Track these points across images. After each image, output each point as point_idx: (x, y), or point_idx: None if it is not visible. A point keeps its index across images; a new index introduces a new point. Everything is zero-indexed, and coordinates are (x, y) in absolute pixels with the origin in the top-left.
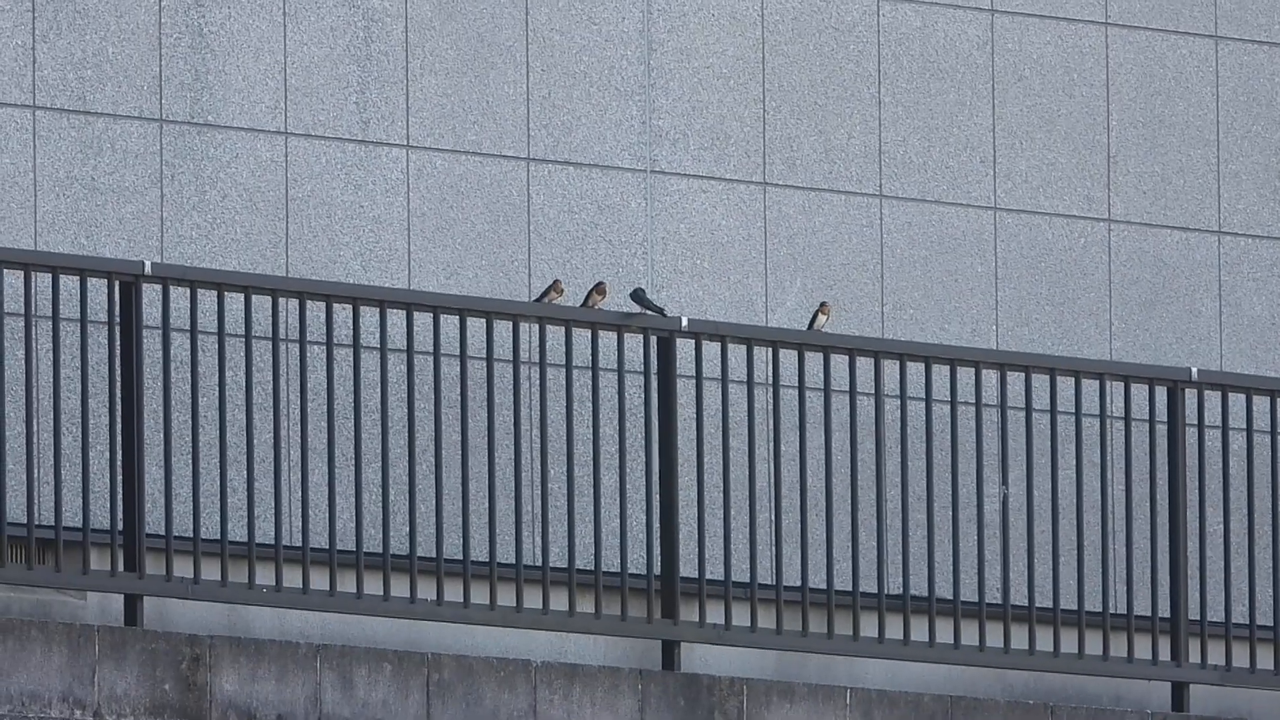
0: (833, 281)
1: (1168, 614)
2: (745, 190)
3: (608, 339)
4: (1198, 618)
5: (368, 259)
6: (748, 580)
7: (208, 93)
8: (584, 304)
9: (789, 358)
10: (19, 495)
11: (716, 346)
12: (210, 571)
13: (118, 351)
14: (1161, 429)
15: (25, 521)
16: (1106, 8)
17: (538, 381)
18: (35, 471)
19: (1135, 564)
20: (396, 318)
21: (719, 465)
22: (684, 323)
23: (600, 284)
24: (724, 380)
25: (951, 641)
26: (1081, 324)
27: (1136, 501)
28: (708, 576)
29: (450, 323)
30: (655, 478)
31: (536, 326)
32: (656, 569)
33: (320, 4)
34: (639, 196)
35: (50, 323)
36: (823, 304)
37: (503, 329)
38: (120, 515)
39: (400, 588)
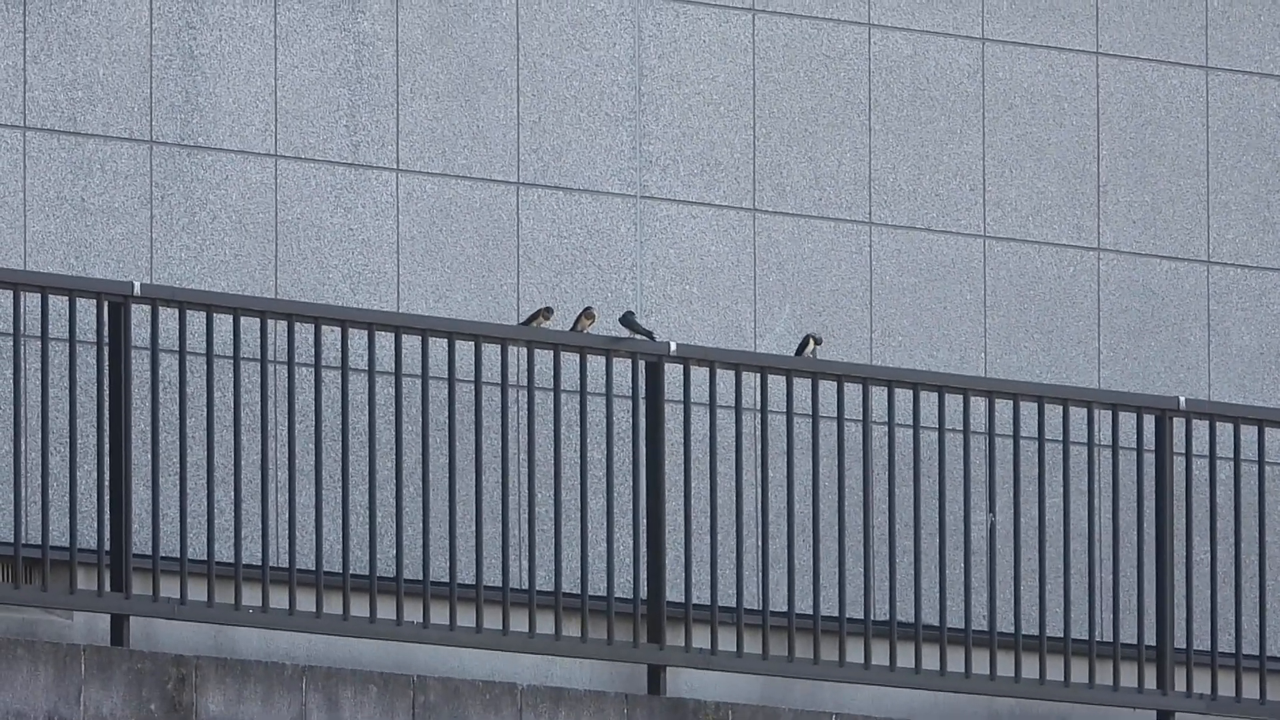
0: (822, 308)
1: (1154, 642)
2: (735, 216)
3: (596, 363)
4: (1184, 646)
5: (357, 281)
6: (734, 605)
7: (198, 115)
8: (573, 328)
9: (777, 383)
10: (6, 514)
11: (705, 372)
12: (196, 592)
13: (106, 372)
14: (1149, 457)
15: (12, 541)
16: (1097, 37)
17: (525, 405)
18: (23, 491)
19: (1122, 592)
20: (385, 340)
21: (706, 490)
22: (672, 348)
23: (589, 309)
24: (712, 405)
25: (937, 668)
26: (1070, 352)
27: (1123, 530)
28: (694, 601)
29: (439, 346)
30: (642, 502)
31: (525, 350)
32: (643, 593)
33: (311, 27)
34: (629, 221)
35: (39, 342)
36: (817, 338)
37: (491, 352)
38: (107, 535)
39: (386, 609)
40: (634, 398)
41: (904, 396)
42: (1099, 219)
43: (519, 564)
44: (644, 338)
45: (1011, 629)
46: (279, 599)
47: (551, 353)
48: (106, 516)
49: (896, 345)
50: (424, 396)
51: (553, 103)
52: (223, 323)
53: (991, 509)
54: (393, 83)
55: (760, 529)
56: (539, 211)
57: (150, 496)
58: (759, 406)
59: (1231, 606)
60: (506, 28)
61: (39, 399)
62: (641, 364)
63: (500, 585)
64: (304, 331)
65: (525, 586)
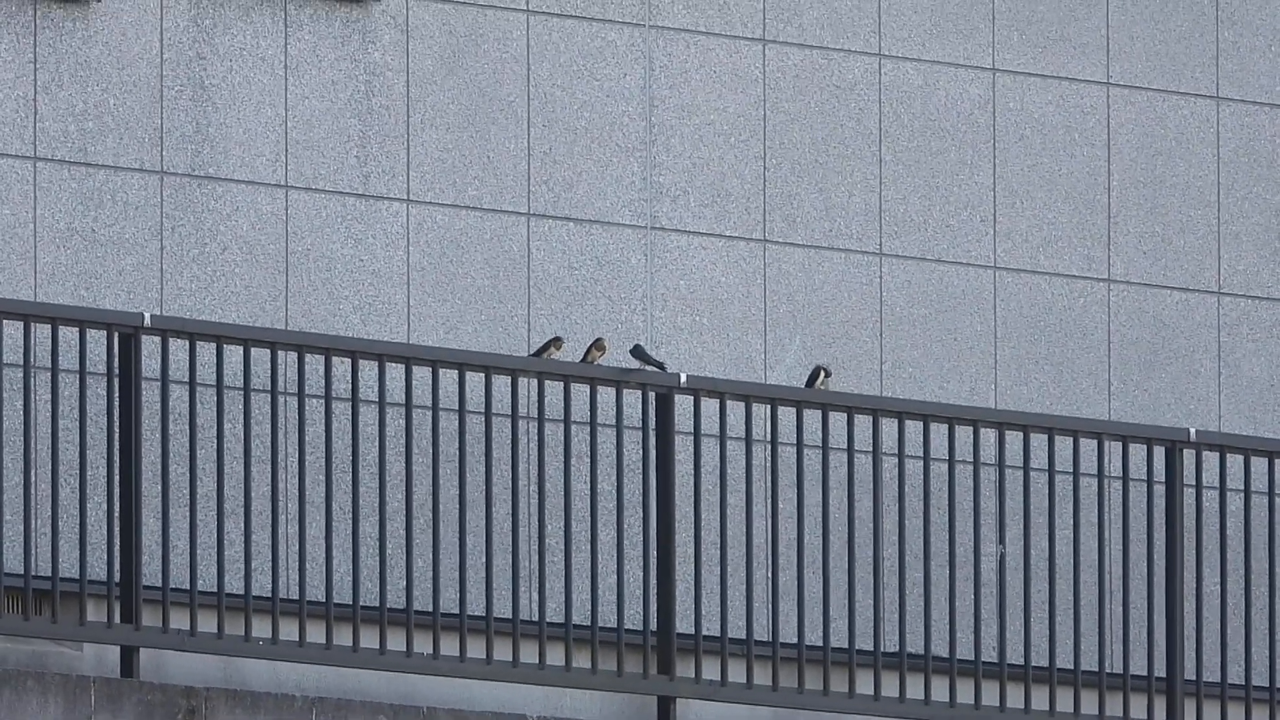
0: (832, 339)
1: (1164, 674)
2: (745, 247)
3: (606, 394)
4: (1194, 678)
5: (367, 313)
6: (744, 636)
7: (209, 145)
8: (583, 359)
9: (787, 415)
10: (16, 546)
11: (715, 403)
12: (206, 623)
13: (116, 403)
14: (1159, 489)
15: (22, 572)
16: (1108, 68)
17: (536, 437)
18: (33, 522)
19: (1132, 624)
20: (395, 372)
21: (716, 521)
22: (683, 379)
23: (599, 340)
24: (722, 437)
25: (948, 700)
26: (1080, 383)
27: (1133, 561)
28: (704, 632)
29: (449, 377)
30: (653, 533)
31: (535, 381)
32: (653, 624)
33: (322, 58)
34: (639, 252)
35: (49, 374)
36: (827, 371)
37: (501, 384)
38: (117, 567)
39: (396, 641)
40: (644, 429)
41: (914, 428)
42: (1109, 250)
43: (529, 595)
44: (655, 369)
45: (1022, 661)
46: (289, 630)
47: (562, 384)
48: (116, 548)
49: (907, 376)
50: (434, 428)
51: (563, 134)
52: (233, 354)
53: (1001, 541)
54: (403, 113)
55: (770, 560)
56: (549, 242)
57: (160, 528)
58: (769, 438)
59: (1241, 638)
60: (517, 58)
61: (49, 430)
62: (652, 395)
63: (510, 617)
64: (314, 363)
65: (535, 618)
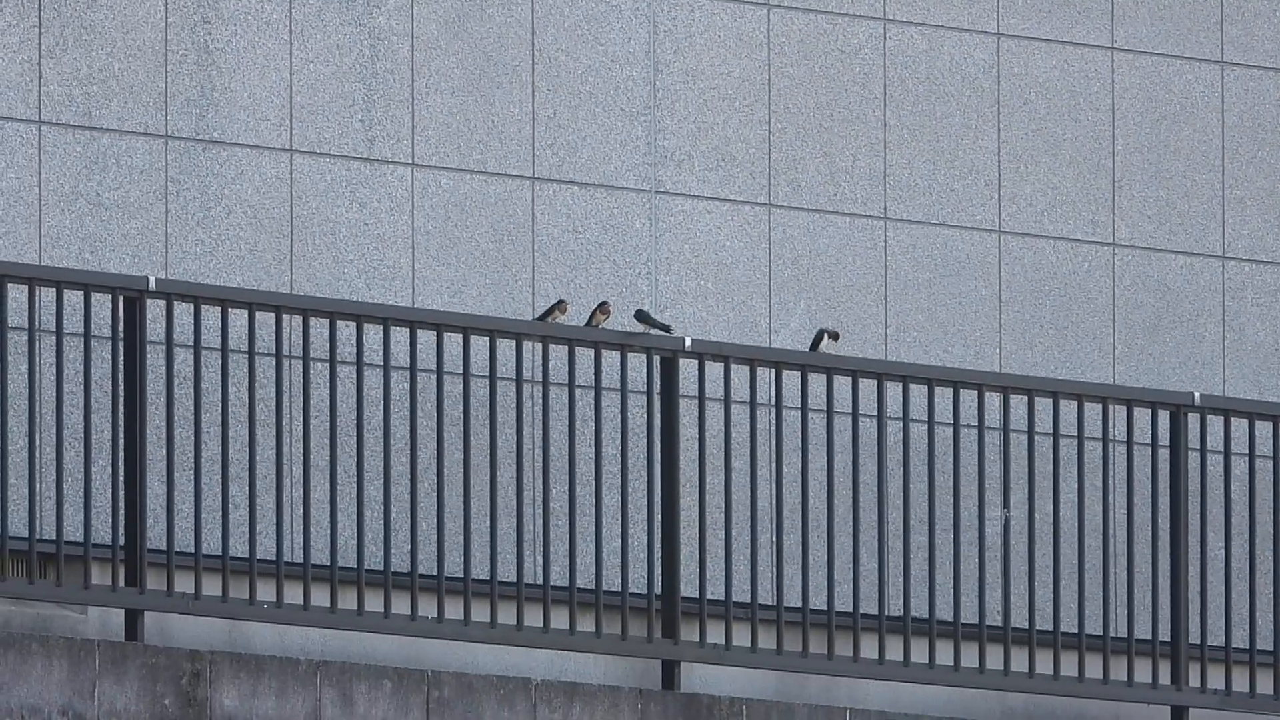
0: (836, 303)
1: (1168, 638)
2: (750, 211)
3: (611, 358)
4: (1198, 642)
5: (372, 276)
6: (749, 600)
7: (213, 109)
8: (588, 323)
9: (792, 379)
10: (21, 509)
11: (720, 367)
12: (211, 587)
13: (121, 367)
14: (1164, 453)
15: (27, 535)
16: (1113, 32)
17: (540, 400)
18: (37, 486)
19: (1136, 588)
20: (400, 335)
21: (721, 485)
22: (687, 343)
23: (604, 303)
24: (727, 401)
25: (952, 663)
26: (1085, 348)
27: (1138, 525)
28: (709, 596)
29: (454, 341)
30: (657, 497)
31: (540, 345)
32: (657, 588)
33: (326, 22)
34: (643, 217)
35: (54, 337)
36: (835, 334)
37: (506, 347)
38: (122, 530)
39: (401, 605)
40: (649, 393)
41: (919, 392)
42: (1114, 214)
43: (534, 559)
44: (661, 331)
45: (1026, 624)
46: (294, 594)
47: (566, 348)
48: (121, 512)
49: (911, 340)
50: (439, 392)
51: (568, 98)
52: (238, 318)
53: (1006, 505)
54: (408, 78)
55: (775, 524)
56: (554, 207)
57: (165, 492)
58: (774, 402)
59: (1246, 602)
60: (521, 23)
61: (54, 394)
62: (656, 359)
63: (515, 580)
64: (319, 327)
65: (540, 582)
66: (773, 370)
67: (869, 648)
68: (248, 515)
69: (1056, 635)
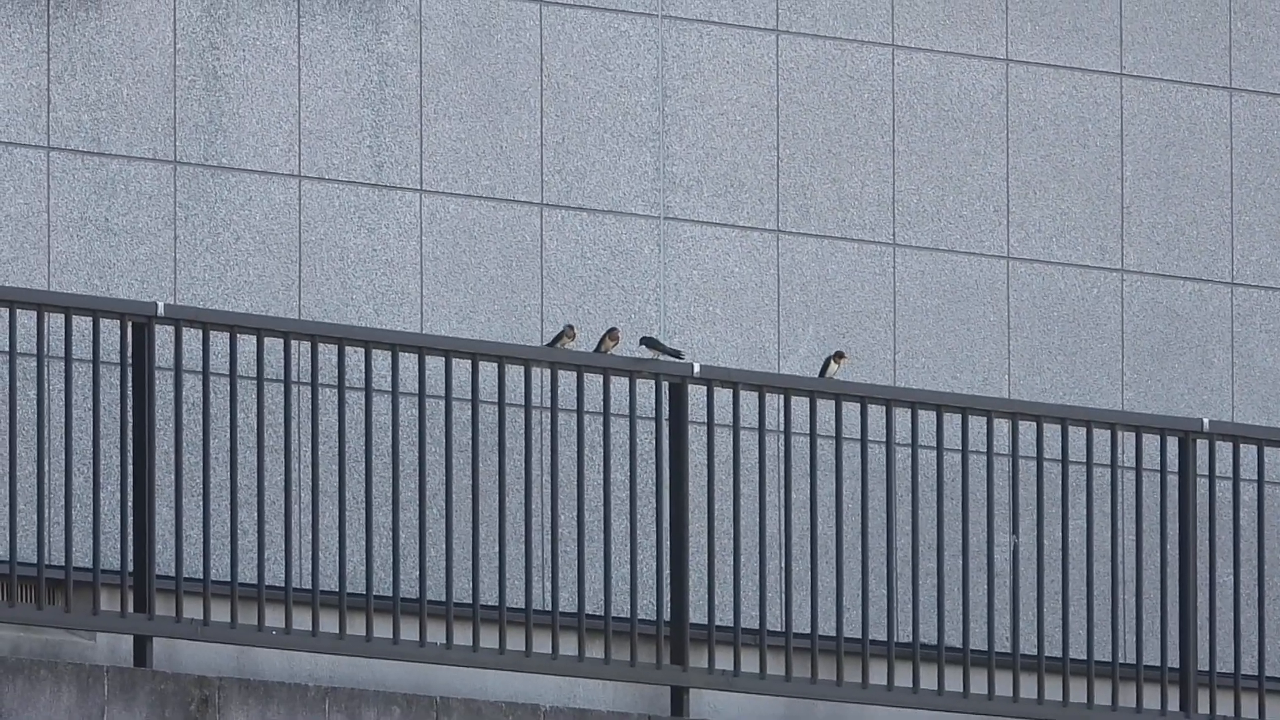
0: (845, 329)
1: (1177, 664)
2: (758, 237)
3: (620, 384)
4: (1207, 668)
5: (380, 302)
6: (757, 626)
7: (222, 135)
8: (597, 349)
9: (801, 405)
10: (29, 535)
11: (728, 393)
12: (220, 613)
13: (129, 392)
14: (1173, 479)
15: (35, 561)
16: (1121, 59)
17: (549, 426)
18: (46, 511)
19: (1145, 614)
20: (409, 361)
21: (730, 511)
22: (696, 369)
23: (613, 329)
24: (735, 427)
25: (960, 690)
26: (1094, 374)
27: (1147, 552)
28: (717, 622)
29: (462, 367)
30: (666, 523)
31: (548, 371)
32: (666, 614)
33: (335, 48)
34: (652, 242)
35: (63, 363)
36: (839, 353)
37: (515, 373)
38: (130, 556)
39: (410, 631)
40: (657, 419)
41: (927, 418)
42: (1123, 240)
43: (542, 585)
44: (672, 357)
45: (1035, 651)
46: (302, 620)
47: (575, 374)
48: (130, 537)
49: (920, 367)
50: (448, 418)
51: (576, 123)
52: (246, 343)
53: (1015, 531)
54: (416, 103)
55: (783, 550)
56: (562, 232)
57: (174, 517)
58: (783, 428)
59: (1255, 628)
60: (530, 48)
61: (62, 419)
62: (665, 385)
63: (523, 606)
64: (327, 352)
65: (548, 608)
66: (781, 396)
67: (878, 674)
68: (256, 541)
69: (1065, 661)
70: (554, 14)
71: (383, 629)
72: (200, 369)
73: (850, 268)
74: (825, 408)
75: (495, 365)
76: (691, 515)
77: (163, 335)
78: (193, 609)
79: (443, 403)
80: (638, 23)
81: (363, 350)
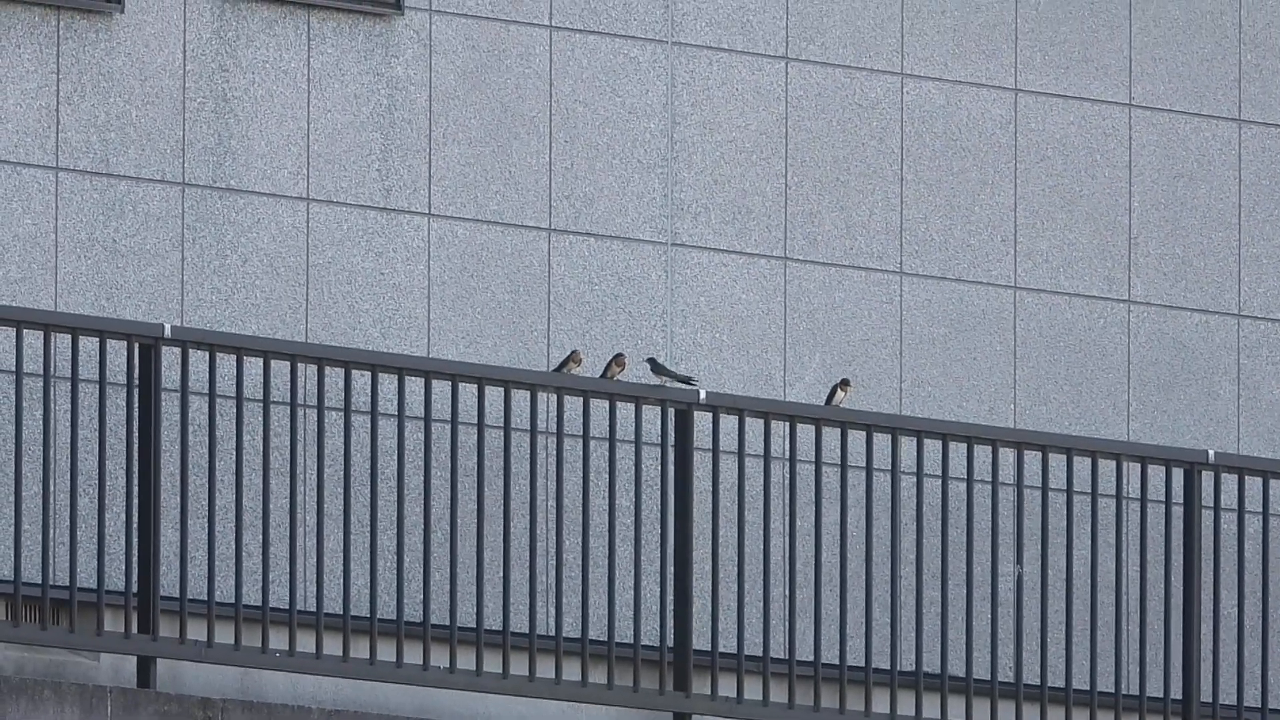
0: (852, 357)
1: (1180, 696)
2: (766, 265)
3: (625, 410)
4: (1210, 700)
5: (387, 326)
6: (761, 653)
7: (230, 157)
8: (603, 375)
9: (806, 432)
10: (35, 555)
11: (734, 420)
12: (224, 635)
13: (136, 414)
14: (1177, 510)
15: (40, 581)
16: (1130, 89)
17: (555, 452)
18: (51, 532)
19: (1149, 645)
20: (415, 385)
21: (734, 538)
22: (702, 395)
23: (619, 355)
24: (741, 453)
25: (964, 718)
26: (1099, 404)
27: (1151, 583)
28: (721, 649)
29: (468, 391)
30: (670, 549)
31: (554, 396)
32: (670, 640)
33: (344, 71)
34: (659, 269)
35: (69, 384)
36: (845, 381)
37: (521, 398)
38: (135, 577)
39: (414, 654)
40: (663, 445)
41: (933, 447)
42: (1130, 271)
43: (546, 610)
44: (681, 383)
45: (1038, 681)
46: (306, 642)
47: (581, 399)
48: (135, 558)
49: (926, 395)
50: (453, 442)
51: (585, 149)
52: (253, 366)
53: (1019, 560)
54: (425, 128)
55: (788, 577)
56: (570, 258)
57: (179, 539)
58: (788, 455)
59: (1258, 660)
60: (539, 74)
61: (69, 440)
62: (671, 412)
63: (527, 631)
64: (334, 375)
65: (552, 632)
66: (787, 423)
67: (880, 702)
68: (261, 563)
69: (1068, 691)
70: (564, 39)
71: (386, 652)
72: (206, 391)
73: (857, 296)
74: (831, 435)
75: (501, 390)
76: (696, 541)
77: (169, 357)
78: (197, 630)
79: (449, 427)
80: (647, 49)
81: (369, 374)
